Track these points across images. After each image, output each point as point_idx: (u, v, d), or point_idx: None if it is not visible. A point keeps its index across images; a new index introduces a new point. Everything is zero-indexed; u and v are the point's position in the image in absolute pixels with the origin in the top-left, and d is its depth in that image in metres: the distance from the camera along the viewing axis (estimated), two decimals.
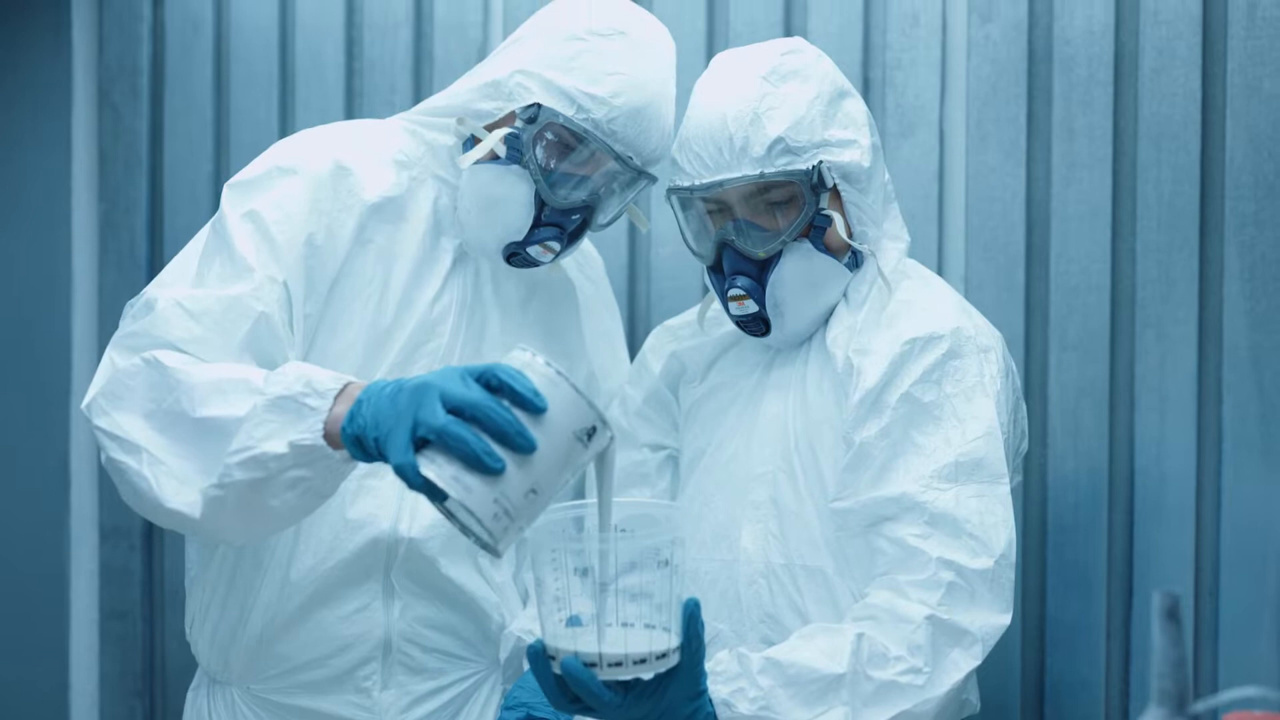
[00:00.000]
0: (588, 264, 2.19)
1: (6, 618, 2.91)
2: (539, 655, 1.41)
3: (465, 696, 1.98)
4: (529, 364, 1.37)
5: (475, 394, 1.36)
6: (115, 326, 1.81)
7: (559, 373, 1.36)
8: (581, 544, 1.39)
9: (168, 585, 2.84)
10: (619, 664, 1.37)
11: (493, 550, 1.36)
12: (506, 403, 1.36)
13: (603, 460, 1.39)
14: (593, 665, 1.37)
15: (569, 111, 1.86)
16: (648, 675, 1.40)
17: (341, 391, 1.56)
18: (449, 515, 1.37)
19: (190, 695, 2.01)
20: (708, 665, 1.54)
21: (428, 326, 1.92)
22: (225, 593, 1.91)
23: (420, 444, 1.38)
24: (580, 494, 1.94)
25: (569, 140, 1.88)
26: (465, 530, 1.36)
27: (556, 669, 1.39)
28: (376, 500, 1.89)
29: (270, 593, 1.88)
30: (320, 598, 1.89)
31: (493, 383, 1.37)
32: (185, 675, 2.06)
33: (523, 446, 1.34)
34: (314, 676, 1.91)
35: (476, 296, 1.98)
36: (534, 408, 1.35)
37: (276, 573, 1.88)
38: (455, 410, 1.37)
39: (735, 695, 1.61)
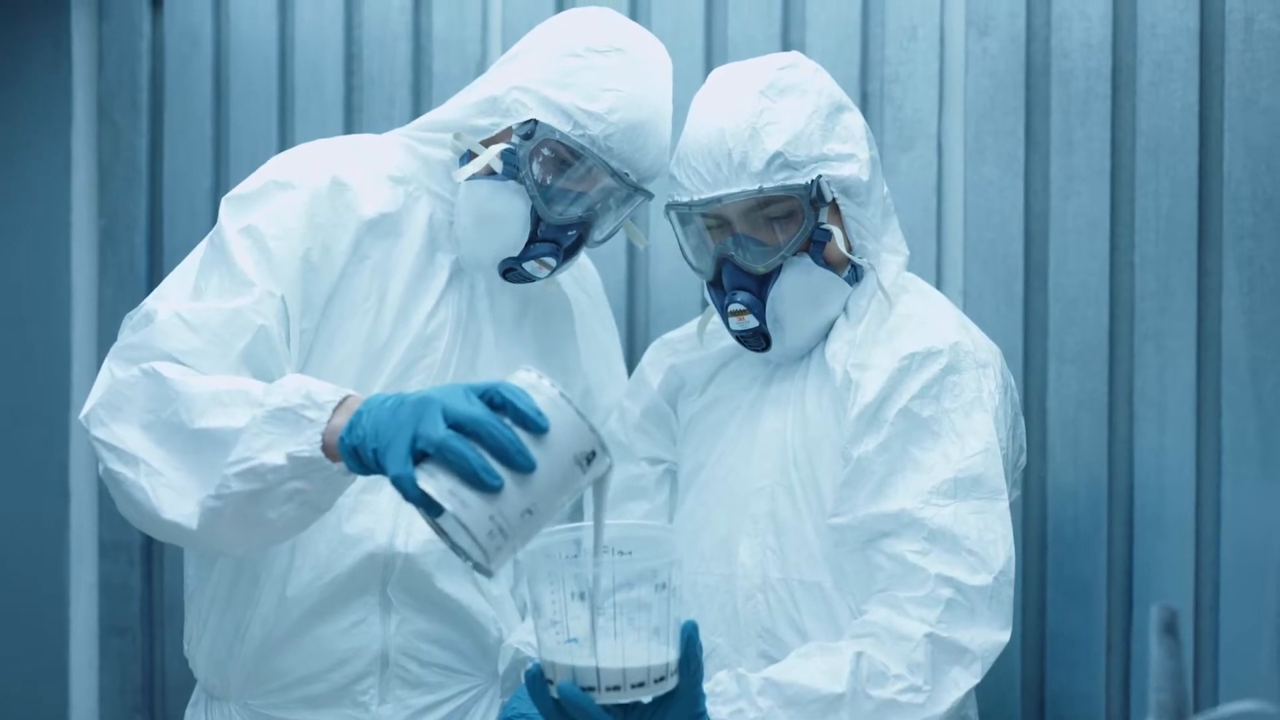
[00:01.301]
0: (584, 278, 2.19)
1: (6, 632, 2.92)
2: (536, 679, 1.40)
3: (463, 710, 1.98)
4: (534, 385, 1.37)
5: (477, 410, 1.36)
6: (115, 340, 1.81)
7: (562, 395, 1.36)
8: (579, 567, 1.39)
9: (167, 600, 2.84)
10: (616, 687, 1.36)
11: (484, 570, 1.35)
12: (508, 421, 1.36)
13: (600, 486, 1.39)
14: (590, 689, 1.37)
15: (565, 128, 1.86)
16: (646, 698, 1.40)
17: (340, 404, 1.56)
18: (441, 533, 1.36)
19: (189, 711, 2.00)
20: (706, 686, 1.53)
21: (423, 342, 1.92)
22: (223, 608, 1.91)
23: (419, 458, 1.38)
24: (575, 516, 1.94)
25: (565, 156, 1.88)
26: (457, 548, 1.35)
27: (554, 693, 1.38)
28: (373, 515, 1.89)
29: (267, 608, 1.88)
30: (317, 612, 1.88)
31: (496, 400, 1.37)
32: (185, 690, 2.06)
33: (522, 465, 1.34)
34: (312, 691, 1.91)
35: (471, 312, 1.98)
36: (536, 427, 1.35)
37: (273, 588, 1.87)
38: (456, 425, 1.36)
39: (735, 716, 1.61)
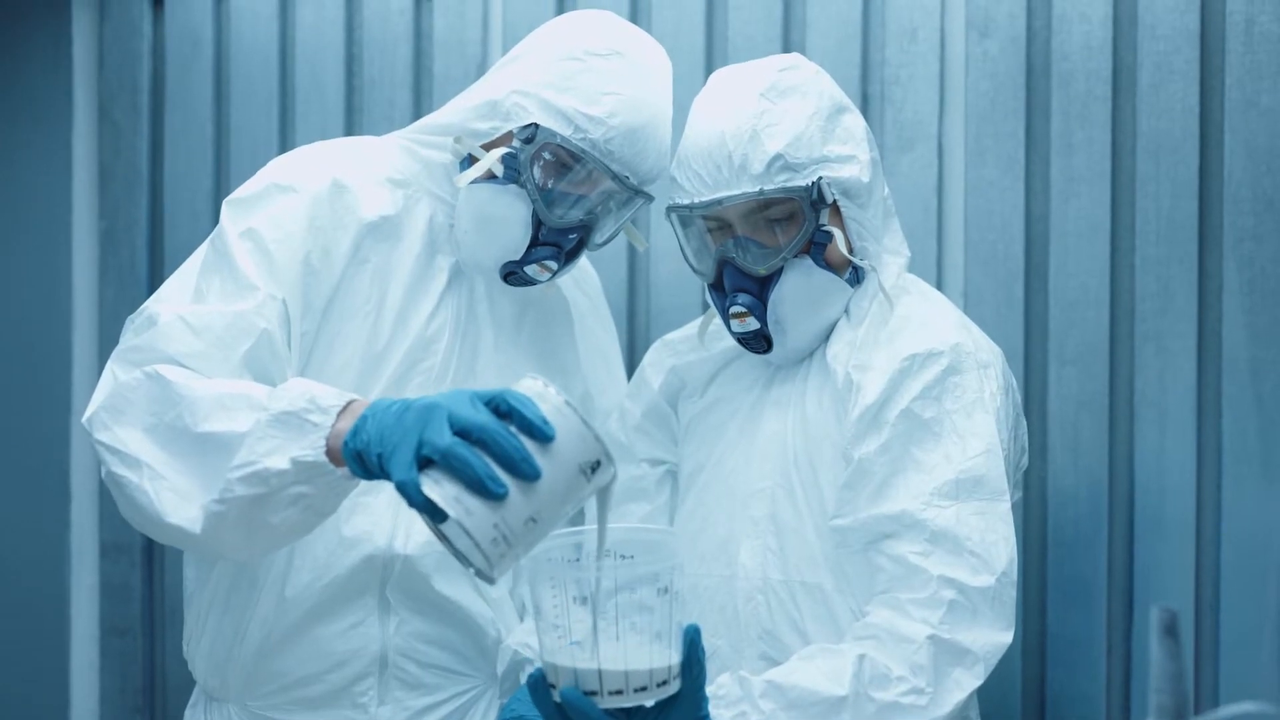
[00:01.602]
0: (583, 279, 2.19)
1: (7, 634, 2.92)
2: (539, 683, 1.40)
3: (462, 711, 1.98)
4: (540, 393, 1.37)
5: (483, 417, 1.36)
6: (116, 342, 1.81)
7: (568, 403, 1.36)
8: (581, 572, 1.39)
9: (168, 601, 2.84)
10: (619, 691, 1.36)
11: (487, 577, 1.35)
12: (514, 429, 1.36)
13: (603, 494, 1.39)
14: (593, 693, 1.37)
15: (566, 131, 1.86)
16: (649, 702, 1.40)
17: (345, 408, 1.56)
18: (444, 540, 1.36)
19: (188, 712, 2.00)
20: (709, 689, 1.54)
21: (423, 344, 1.92)
22: (221, 610, 1.91)
23: (424, 464, 1.38)
24: (576, 520, 1.94)
25: (566, 160, 1.88)
26: (459, 556, 1.35)
27: (556, 697, 1.38)
28: (372, 517, 1.89)
29: (266, 609, 1.88)
30: (316, 614, 1.88)
31: (502, 408, 1.37)
32: (185, 691, 2.06)
33: (527, 474, 1.34)
34: (310, 693, 1.91)
35: (471, 314, 1.98)
36: (542, 436, 1.35)
37: (272, 589, 1.87)
38: (462, 432, 1.36)
39: (737, 719, 1.62)
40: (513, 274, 1.92)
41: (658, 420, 2.06)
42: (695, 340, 2.04)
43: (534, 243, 1.90)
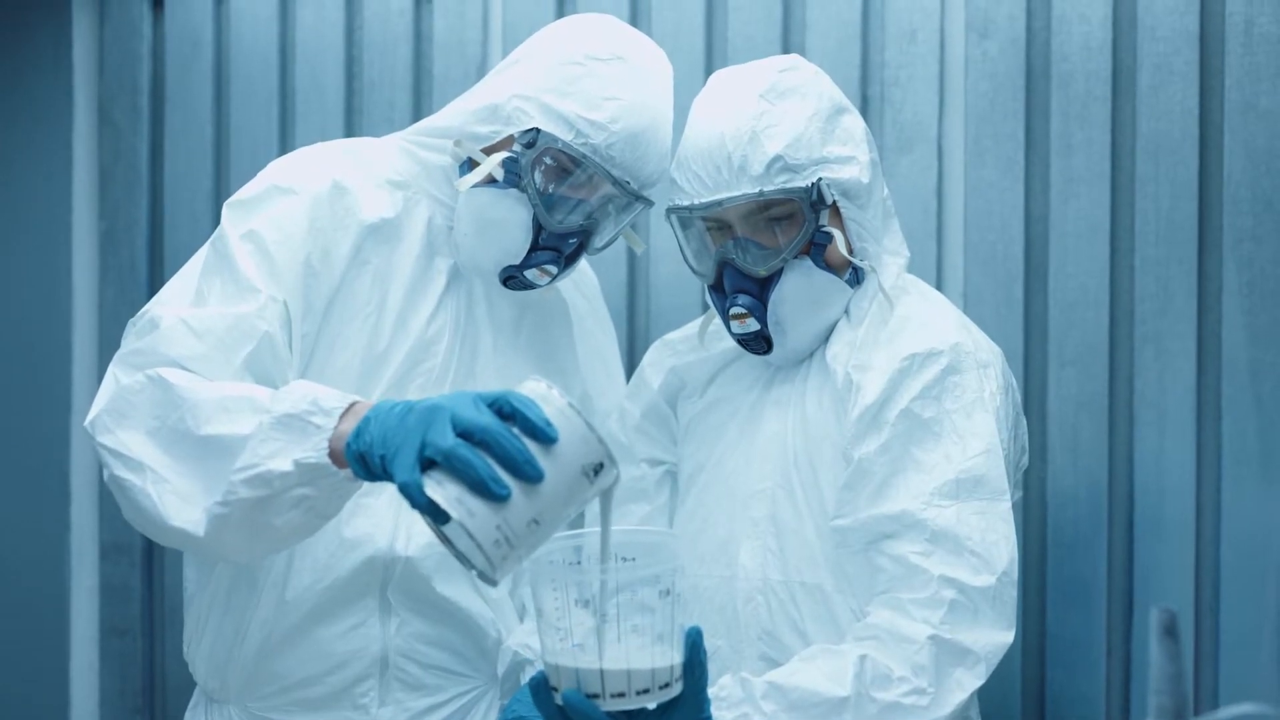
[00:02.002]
0: (582, 281, 2.19)
1: (7, 634, 2.92)
2: (541, 686, 1.41)
3: (463, 712, 1.98)
4: (543, 395, 1.37)
5: (486, 419, 1.36)
6: (116, 343, 1.81)
7: (571, 405, 1.36)
8: (582, 574, 1.39)
9: (168, 602, 2.84)
10: (621, 694, 1.36)
11: (489, 579, 1.35)
12: (517, 431, 1.36)
13: (606, 497, 1.39)
14: (595, 695, 1.37)
15: (567, 136, 1.86)
16: (651, 704, 1.40)
17: (347, 410, 1.56)
18: (447, 542, 1.36)
19: (189, 714, 2.00)
20: (710, 691, 1.54)
21: (422, 346, 1.92)
22: (222, 611, 1.91)
23: (427, 465, 1.38)
24: (576, 523, 1.94)
25: (567, 165, 1.88)
26: (462, 558, 1.35)
27: (558, 699, 1.39)
28: (372, 519, 1.89)
29: (267, 611, 1.88)
30: (317, 615, 1.88)
31: (505, 409, 1.37)
32: (185, 692, 2.06)
33: (530, 475, 1.34)
34: (311, 694, 1.91)
35: (470, 317, 1.98)
36: (545, 437, 1.35)
37: (273, 591, 1.87)
38: (465, 434, 1.36)
39: None
40: (512, 278, 1.92)
41: (657, 420, 2.06)
42: (695, 340, 2.04)
43: (534, 247, 1.89)
